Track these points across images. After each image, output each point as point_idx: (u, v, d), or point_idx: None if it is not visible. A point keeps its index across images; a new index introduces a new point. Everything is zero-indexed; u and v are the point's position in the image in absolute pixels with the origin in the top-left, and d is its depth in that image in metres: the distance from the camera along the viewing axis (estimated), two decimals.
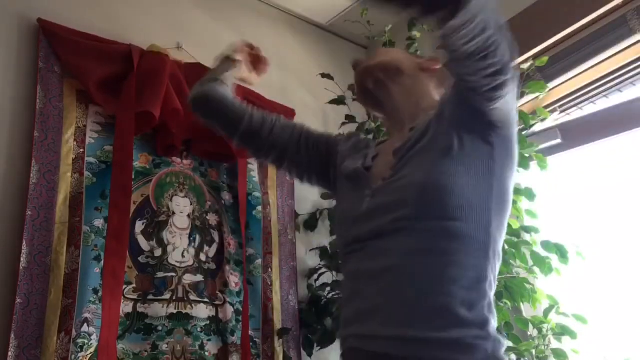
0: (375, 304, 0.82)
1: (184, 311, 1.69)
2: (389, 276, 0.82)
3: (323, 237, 2.13)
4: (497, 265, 0.85)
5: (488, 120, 0.85)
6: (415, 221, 0.82)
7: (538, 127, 1.93)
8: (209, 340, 1.72)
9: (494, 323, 0.80)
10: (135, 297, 1.62)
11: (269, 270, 1.95)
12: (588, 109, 1.95)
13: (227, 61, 1.25)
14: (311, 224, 2.10)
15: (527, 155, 1.77)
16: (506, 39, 0.80)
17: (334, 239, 2.02)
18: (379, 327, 0.81)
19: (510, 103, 0.86)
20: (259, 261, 1.93)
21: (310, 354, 1.91)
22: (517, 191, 1.77)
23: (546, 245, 1.67)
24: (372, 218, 0.88)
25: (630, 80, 1.84)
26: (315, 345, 1.89)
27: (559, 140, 1.98)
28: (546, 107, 1.96)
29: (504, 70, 0.79)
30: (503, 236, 0.86)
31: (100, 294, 1.50)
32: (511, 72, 0.81)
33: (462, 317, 0.77)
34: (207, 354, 1.70)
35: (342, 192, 1.03)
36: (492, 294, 0.82)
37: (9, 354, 1.34)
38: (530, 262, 1.68)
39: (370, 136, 2.01)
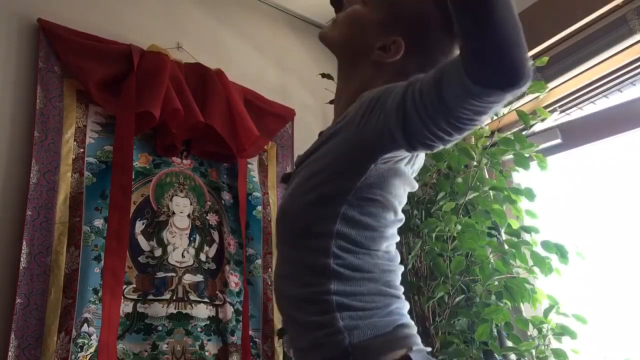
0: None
1: (184, 311, 1.69)
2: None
3: None
4: (353, 271, 0.83)
5: (377, 157, 0.78)
6: (282, 245, 0.89)
7: (538, 127, 1.93)
8: (209, 340, 1.72)
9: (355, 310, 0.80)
10: (135, 297, 1.62)
11: (269, 270, 1.95)
12: (588, 109, 1.95)
13: None
14: None
15: (527, 155, 1.77)
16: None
17: None
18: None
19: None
20: (259, 261, 1.93)
21: None
22: (517, 191, 1.77)
23: (546, 245, 1.68)
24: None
25: (630, 80, 1.84)
26: None
27: (559, 140, 1.98)
28: (546, 107, 1.96)
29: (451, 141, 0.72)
30: (367, 250, 0.84)
31: (100, 294, 1.50)
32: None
33: (311, 323, 0.82)
34: (207, 354, 1.70)
35: None
36: (348, 299, 0.81)
37: (9, 354, 1.35)
38: (530, 262, 1.68)
39: None
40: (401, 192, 0.87)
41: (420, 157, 0.91)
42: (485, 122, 2.10)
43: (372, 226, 0.84)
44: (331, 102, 2.08)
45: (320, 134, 0.93)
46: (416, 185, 0.91)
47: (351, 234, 0.82)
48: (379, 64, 0.90)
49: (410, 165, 0.87)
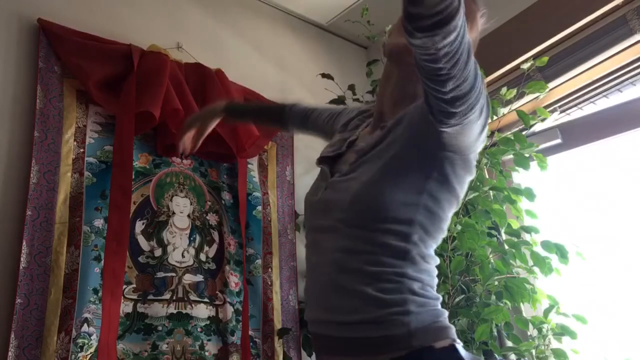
0: (314, 293, 0.98)
1: (184, 311, 1.69)
2: (321, 269, 0.95)
3: None
4: (423, 261, 0.93)
5: (438, 141, 0.87)
6: (344, 225, 0.92)
7: (538, 127, 1.93)
8: (209, 340, 1.72)
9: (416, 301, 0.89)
10: (135, 297, 1.62)
11: (269, 270, 1.95)
12: (588, 109, 1.95)
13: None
14: None
15: (527, 155, 1.77)
16: (477, 72, 0.79)
17: None
18: (320, 313, 0.96)
19: (470, 136, 0.88)
20: (259, 261, 1.93)
21: (310, 354, 1.91)
22: (517, 191, 1.77)
23: (546, 245, 1.68)
24: (319, 212, 0.99)
25: (630, 80, 1.84)
26: None
27: (559, 140, 1.98)
28: (546, 107, 1.96)
29: (464, 101, 0.79)
30: (432, 243, 0.95)
31: (100, 294, 1.50)
32: (475, 109, 0.82)
33: (379, 299, 0.88)
34: (207, 354, 1.70)
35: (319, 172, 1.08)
36: (416, 283, 0.90)
37: (9, 354, 1.35)
38: (530, 262, 1.68)
39: None
40: (466, 182, 0.96)
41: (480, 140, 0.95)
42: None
43: (440, 217, 0.94)
44: (331, 102, 2.08)
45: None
46: (474, 172, 0.98)
47: (427, 223, 0.91)
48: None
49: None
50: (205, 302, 1.75)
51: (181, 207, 1.81)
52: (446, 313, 0.93)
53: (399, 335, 0.86)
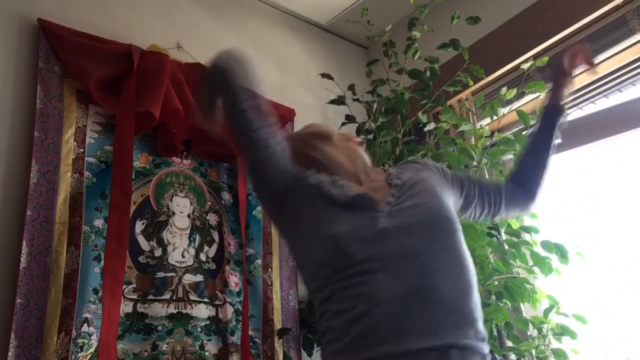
0: (429, 318, 0.90)
1: (184, 311, 1.69)
2: (433, 292, 0.92)
3: None
4: None
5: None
6: (444, 240, 1.00)
7: None
8: (209, 340, 1.72)
9: None
10: (135, 297, 1.62)
11: (269, 270, 1.95)
12: (588, 109, 1.95)
13: None
14: None
15: None
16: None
17: None
18: (447, 335, 0.89)
19: None
20: (259, 261, 1.93)
21: (310, 354, 1.91)
22: None
23: (546, 245, 1.67)
24: (395, 237, 0.97)
25: (630, 80, 1.84)
26: (315, 345, 1.89)
27: (559, 140, 1.98)
28: None
29: None
30: None
31: (100, 294, 1.50)
32: None
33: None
34: (207, 354, 1.70)
35: (329, 215, 1.05)
36: None
37: (9, 354, 1.34)
38: (530, 262, 1.68)
39: (371, 136, 2.01)
40: None
41: None
42: (486, 122, 2.10)
43: None
44: (331, 102, 2.08)
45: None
46: None
47: None
48: None
49: None
50: (205, 302, 1.75)
51: (181, 207, 1.81)
52: None
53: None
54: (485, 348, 0.94)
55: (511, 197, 1.24)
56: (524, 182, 1.25)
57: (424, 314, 0.89)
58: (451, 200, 1.11)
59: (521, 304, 1.71)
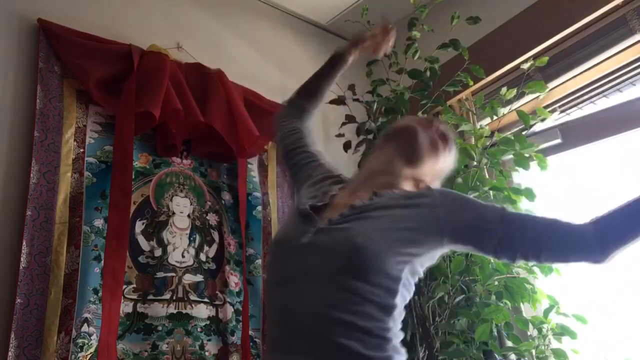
0: (284, 338, 0.95)
1: (184, 311, 1.69)
2: (299, 316, 0.93)
3: None
4: (399, 319, 0.98)
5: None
6: (342, 272, 0.92)
7: (538, 127, 1.93)
8: (209, 340, 1.72)
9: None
10: (135, 297, 1.62)
11: None
12: (588, 109, 1.95)
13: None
14: None
15: (527, 155, 1.77)
16: None
17: None
18: (298, 357, 0.92)
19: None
20: (259, 261, 1.93)
21: None
22: (517, 191, 1.77)
23: None
24: (309, 254, 0.97)
25: (630, 80, 1.84)
26: None
27: (559, 140, 1.98)
28: (546, 107, 1.96)
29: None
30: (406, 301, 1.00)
31: (100, 294, 1.50)
32: None
33: (365, 356, 0.89)
34: (207, 354, 1.70)
35: (292, 216, 1.14)
36: (396, 339, 0.95)
37: (9, 354, 1.34)
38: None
39: (371, 136, 2.01)
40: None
41: None
42: (486, 122, 2.10)
43: (411, 283, 1.00)
44: (331, 102, 2.08)
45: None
46: None
47: (407, 284, 0.98)
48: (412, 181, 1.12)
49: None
50: (205, 302, 1.75)
51: (181, 207, 1.81)
52: None
53: None
54: None
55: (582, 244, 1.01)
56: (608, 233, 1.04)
57: (283, 332, 0.96)
58: (401, 245, 0.97)
59: (521, 304, 1.71)
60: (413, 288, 1.01)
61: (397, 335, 0.95)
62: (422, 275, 1.04)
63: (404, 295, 0.98)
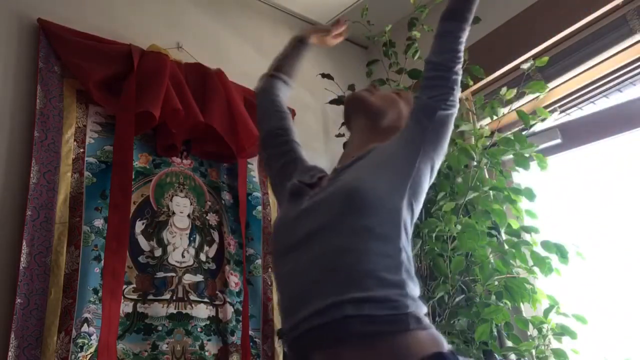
0: (304, 289, 0.94)
1: (184, 311, 1.69)
2: (318, 261, 0.95)
3: None
4: (408, 248, 0.99)
5: (423, 139, 1.02)
6: (339, 220, 0.95)
7: (538, 127, 1.93)
8: (209, 340, 1.72)
9: (412, 286, 0.94)
10: (135, 297, 1.62)
11: (269, 270, 1.95)
12: (588, 109, 1.95)
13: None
14: None
15: (527, 155, 1.77)
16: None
17: None
18: (318, 302, 0.90)
19: (447, 132, 1.06)
20: (259, 261, 1.93)
21: None
22: (517, 191, 1.77)
23: (546, 245, 1.68)
24: (310, 216, 1.00)
25: (630, 80, 1.84)
26: None
27: (559, 140, 1.98)
28: (546, 107, 1.96)
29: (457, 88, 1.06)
30: (414, 221, 1.03)
31: (100, 294, 1.50)
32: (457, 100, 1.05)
33: (384, 279, 0.91)
34: (207, 354, 1.70)
35: (282, 205, 1.17)
36: (409, 265, 0.96)
37: (9, 354, 1.34)
38: (530, 262, 1.68)
39: None
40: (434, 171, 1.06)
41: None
42: (486, 122, 2.10)
43: (415, 213, 1.02)
44: (331, 102, 2.08)
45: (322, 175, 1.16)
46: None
47: (409, 216, 0.99)
48: (390, 131, 1.16)
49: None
50: (205, 302, 1.75)
51: (181, 207, 1.81)
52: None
53: (398, 316, 0.87)
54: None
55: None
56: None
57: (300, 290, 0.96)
58: (397, 172, 1.00)
59: (521, 304, 1.71)
60: (418, 211, 1.03)
61: (409, 261, 0.96)
62: (422, 199, 1.05)
63: (408, 223, 0.99)
